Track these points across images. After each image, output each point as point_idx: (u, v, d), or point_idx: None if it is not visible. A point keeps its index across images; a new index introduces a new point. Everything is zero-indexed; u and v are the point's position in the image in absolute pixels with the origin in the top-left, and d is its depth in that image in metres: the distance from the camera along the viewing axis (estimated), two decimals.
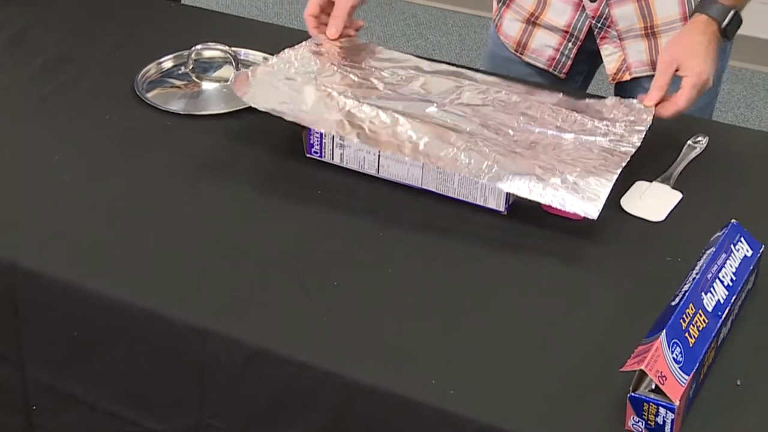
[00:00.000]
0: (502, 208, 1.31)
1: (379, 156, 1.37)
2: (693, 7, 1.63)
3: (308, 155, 1.42)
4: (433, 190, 1.35)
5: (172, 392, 1.22)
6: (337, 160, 1.40)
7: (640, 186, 1.37)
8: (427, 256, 1.26)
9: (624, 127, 1.38)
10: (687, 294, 1.07)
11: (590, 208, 1.24)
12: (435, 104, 1.40)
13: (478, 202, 1.33)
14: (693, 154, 1.45)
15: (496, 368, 1.09)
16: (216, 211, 1.34)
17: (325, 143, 1.40)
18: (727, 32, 1.46)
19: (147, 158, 1.44)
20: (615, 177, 1.28)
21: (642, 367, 0.98)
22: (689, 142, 1.47)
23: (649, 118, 1.40)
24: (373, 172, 1.38)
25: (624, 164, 1.30)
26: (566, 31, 1.71)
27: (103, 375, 1.26)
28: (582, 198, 1.25)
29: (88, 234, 1.30)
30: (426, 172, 1.34)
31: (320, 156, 1.41)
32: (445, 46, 3.84)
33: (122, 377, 1.25)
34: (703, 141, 1.48)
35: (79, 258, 1.26)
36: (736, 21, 1.46)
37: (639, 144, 1.35)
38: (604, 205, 1.26)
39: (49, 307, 1.25)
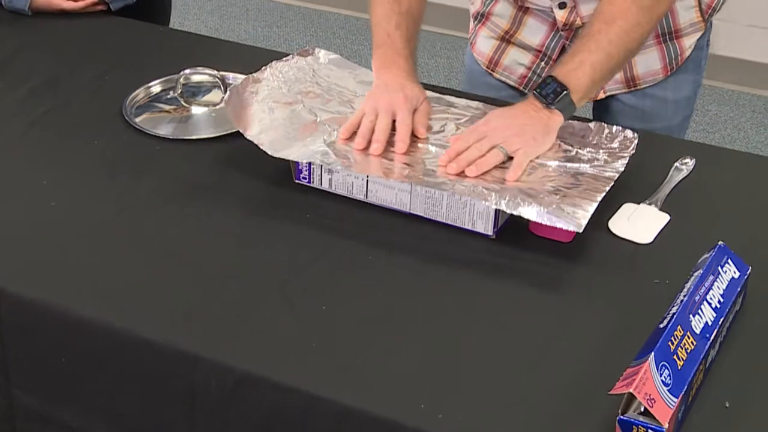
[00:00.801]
0: (490, 231, 1.32)
1: (367, 181, 1.37)
2: (663, 27, 1.65)
3: (297, 181, 1.42)
4: (422, 215, 1.35)
5: (162, 417, 1.22)
6: (325, 186, 1.40)
7: (627, 208, 1.38)
8: (416, 279, 1.26)
9: (608, 154, 1.39)
10: (675, 316, 1.08)
11: (575, 224, 1.24)
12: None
13: (466, 226, 1.33)
14: (680, 176, 1.46)
15: (485, 392, 1.09)
16: (205, 235, 1.34)
17: (313, 169, 1.41)
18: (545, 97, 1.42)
19: (135, 183, 1.44)
20: (601, 197, 1.29)
21: (631, 390, 0.99)
22: (676, 164, 1.48)
23: (634, 144, 1.41)
24: (361, 197, 1.38)
25: (608, 188, 1.31)
26: (539, 51, 1.72)
27: (91, 401, 1.26)
28: (568, 214, 1.25)
29: (75, 259, 1.29)
30: (414, 197, 1.35)
31: (309, 182, 1.41)
32: (434, 69, 3.86)
33: (111, 403, 1.24)
34: (690, 163, 1.48)
35: (66, 283, 1.25)
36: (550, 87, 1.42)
37: (622, 169, 1.36)
38: (593, 227, 1.26)
39: (36, 333, 1.25)
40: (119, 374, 1.22)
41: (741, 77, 3.72)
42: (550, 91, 1.41)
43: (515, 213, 1.26)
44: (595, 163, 1.37)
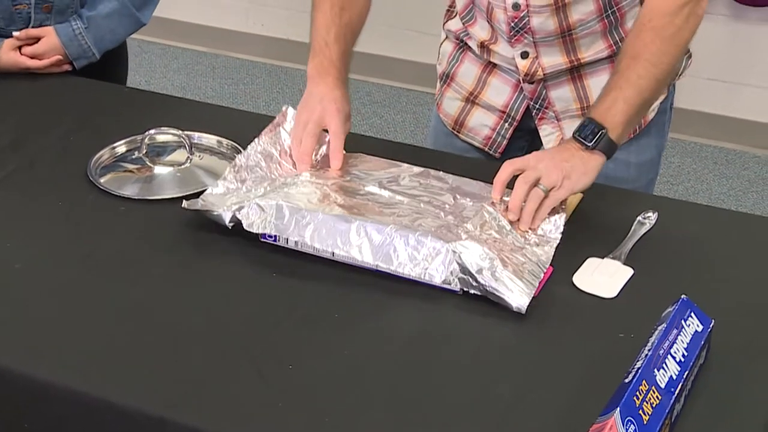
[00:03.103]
0: (457, 288, 1.33)
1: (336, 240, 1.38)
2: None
3: (263, 240, 1.43)
4: (390, 271, 1.36)
5: None
6: (291, 245, 1.41)
7: (591, 263, 1.39)
8: (383, 338, 1.27)
9: (538, 238, 1.42)
10: (640, 371, 1.09)
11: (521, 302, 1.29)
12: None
13: (434, 283, 1.33)
14: (643, 230, 1.47)
15: None
16: (170, 296, 1.34)
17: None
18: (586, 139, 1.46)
19: (100, 244, 1.44)
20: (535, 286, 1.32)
21: None
22: (639, 218, 1.50)
23: (561, 226, 1.44)
24: (328, 256, 1.39)
25: (541, 276, 1.34)
26: (503, 111, 1.74)
27: None
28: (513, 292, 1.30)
29: (39, 322, 1.28)
30: (381, 257, 1.35)
31: (275, 240, 1.42)
32: (400, 125, 3.88)
33: None
34: (652, 217, 1.50)
35: (29, 347, 1.24)
36: (605, 141, 1.46)
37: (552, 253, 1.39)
38: (557, 283, 1.28)
39: None
40: None
41: (703, 130, 3.78)
42: (588, 133, 1.45)
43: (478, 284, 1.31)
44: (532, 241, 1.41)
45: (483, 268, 1.30)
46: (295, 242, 1.39)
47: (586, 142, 1.44)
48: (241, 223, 1.41)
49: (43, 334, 1.26)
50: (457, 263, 1.31)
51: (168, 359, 1.22)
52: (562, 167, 1.43)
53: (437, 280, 1.32)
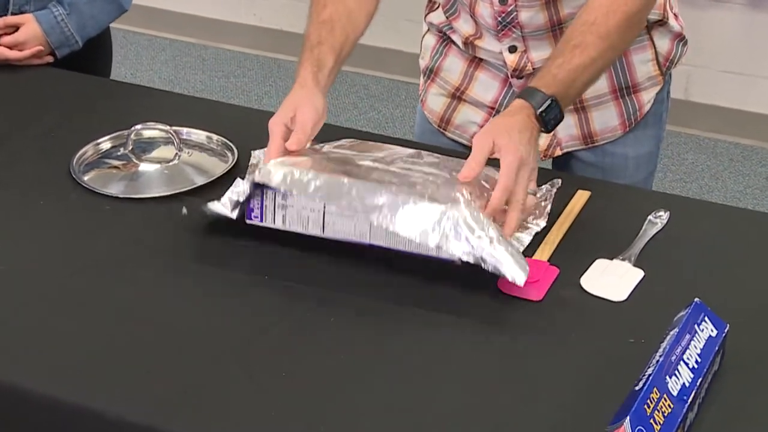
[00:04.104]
0: (457, 257, 1.31)
1: (324, 214, 1.37)
2: (620, 81, 1.68)
3: (248, 221, 1.42)
4: (383, 245, 1.35)
5: None
6: (279, 224, 1.40)
7: (600, 264, 1.40)
8: (381, 342, 1.27)
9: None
10: (651, 378, 1.09)
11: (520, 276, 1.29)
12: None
13: (431, 254, 1.32)
14: (654, 230, 1.48)
15: None
16: (158, 299, 1.34)
17: (266, 205, 1.40)
18: (546, 121, 1.44)
19: (84, 245, 1.44)
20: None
21: None
22: (650, 217, 1.50)
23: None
24: (317, 231, 1.38)
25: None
26: (492, 108, 1.75)
27: None
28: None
29: (21, 328, 1.29)
30: (374, 228, 1.34)
31: (261, 220, 1.41)
32: (399, 120, 3.89)
33: None
34: (664, 216, 1.50)
35: (12, 354, 1.25)
36: (554, 110, 1.44)
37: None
38: (564, 285, 1.29)
39: None
40: None
41: (718, 125, 3.78)
42: (551, 117, 1.44)
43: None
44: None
45: (475, 230, 1.30)
46: (283, 204, 1.38)
47: (546, 127, 1.44)
48: (236, 220, 1.41)
49: (25, 339, 1.27)
50: (454, 228, 1.31)
51: (156, 366, 1.22)
52: (522, 137, 1.40)
53: (431, 244, 1.31)
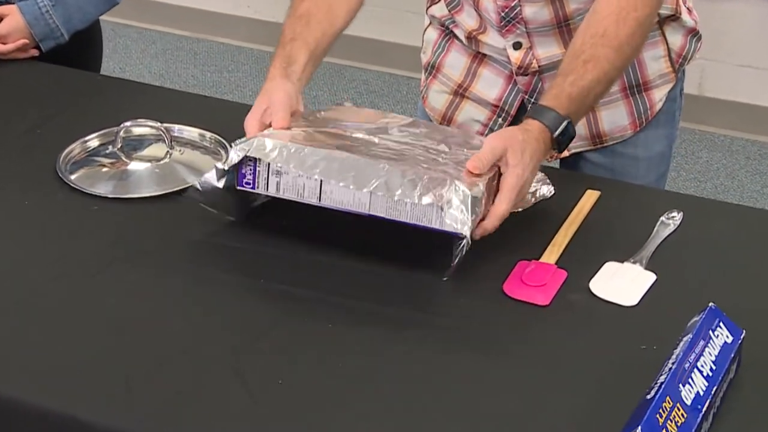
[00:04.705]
0: (467, 226, 1.30)
1: (321, 182, 1.36)
2: (630, 78, 1.68)
3: (239, 187, 1.41)
4: (384, 216, 1.34)
5: None
6: (272, 190, 1.39)
7: (609, 267, 1.40)
8: (381, 350, 1.27)
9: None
10: (663, 386, 1.09)
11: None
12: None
13: (433, 225, 1.32)
14: (667, 232, 1.48)
15: None
16: (148, 304, 1.34)
17: (259, 171, 1.39)
18: (561, 143, 1.46)
19: (71, 247, 1.44)
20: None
21: None
22: (662, 218, 1.50)
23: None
24: (314, 200, 1.37)
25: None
26: (496, 106, 1.75)
27: None
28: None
29: (4, 333, 1.29)
30: (374, 197, 1.34)
31: (253, 187, 1.40)
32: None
33: None
34: (677, 217, 1.50)
35: None
36: (569, 131, 1.46)
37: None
38: (572, 289, 1.30)
39: None
40: None
41: (734, 121, 3.78)
42: (566, 138, 1.45)
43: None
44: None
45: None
46: (277, 171, 1.37)
47: (558, 147, 1.45)
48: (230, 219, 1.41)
49: (8, 346, 1.27)
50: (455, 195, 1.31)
51: (145, 374, 1.22)
52: (531, 165, 1.41)
53: (434, 207, 1.31)
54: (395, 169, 1.34)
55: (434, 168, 1.37)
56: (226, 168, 1.39)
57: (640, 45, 1.54)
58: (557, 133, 1.44)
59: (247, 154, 1.38)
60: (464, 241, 1.30)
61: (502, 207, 1.37)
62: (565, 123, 1.45)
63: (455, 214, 1.31)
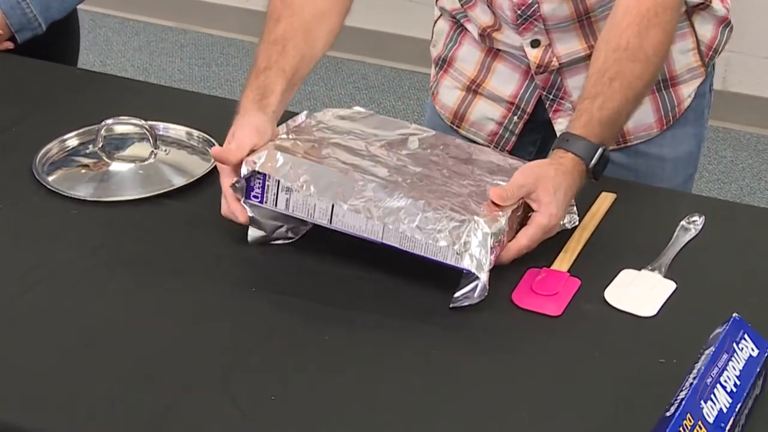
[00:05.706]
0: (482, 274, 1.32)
1: (333, 205, 1.36)
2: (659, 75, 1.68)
3: (247, 201, 1.41)
4: (396, 246, 1.35)
5: None
6: (281, 207, 1.40)
7: (626, 275, 1.40)
8: (380, 363, 1.27)
9: None
10: (684, 402, 1.09)
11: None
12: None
13: (448, 262, 1.32)
14: (687, 237, 1.48)
15: None
16: (131, 314, 1.34)
17: (268, 185, 1.40)
18: (596, 172, 1.46)
19: (48, 254, 1.45)
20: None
21: None
22: (683, 222, 1.50)
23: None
24: (324, 222, 1.38)
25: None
26: (511, 103, 1.74)
27: None
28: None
29: None
30: (387, 228, 1.34)
31: (261, 201, 1.41)
32: (402, 113, 3.89)
33: None
34: (698, 221, 1.51)
35: None
36: (604, 158, 1.46)
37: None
38: (586, 298, 1.30)
39: None
40: None
41: (760, 118, 3.78)
42: (601, 168, 1.45)
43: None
44: None
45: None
46: (287, 188, 1.37)
47: (594, 177, 1.46)
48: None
49: None
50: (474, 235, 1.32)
51: (129, 390, 1.22)
52: (564, 202, 1.42)
53: (451, 250, 1.32)
54: (413, 201, 1.34)
55: (455, 198, 1.37)
56: (237, 185, 1.40)
57: (667, 52, 1.53)
58: (593, 163, 1.44)
59: (256, 169, 1.39)
60: (479, 282, 1.31)
61: (523, 243, 1.38)
62: (600, 151, 1.45)
63: (473, 255, 1.32)
